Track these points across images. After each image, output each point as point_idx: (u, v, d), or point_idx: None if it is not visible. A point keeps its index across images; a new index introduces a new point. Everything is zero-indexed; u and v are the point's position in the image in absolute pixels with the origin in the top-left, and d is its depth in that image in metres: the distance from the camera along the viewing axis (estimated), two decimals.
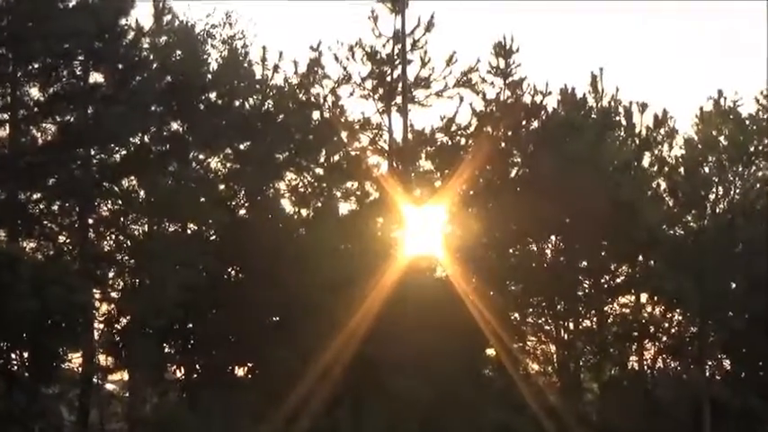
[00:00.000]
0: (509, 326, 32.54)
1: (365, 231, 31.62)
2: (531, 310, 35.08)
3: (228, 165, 31.33)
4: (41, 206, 27.31)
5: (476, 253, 32.72)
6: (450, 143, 33.82)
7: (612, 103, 36.12)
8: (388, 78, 33.02)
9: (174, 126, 29.58)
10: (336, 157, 32.98)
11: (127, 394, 30.56)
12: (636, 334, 34.99)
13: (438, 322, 28.92)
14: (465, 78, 33.38)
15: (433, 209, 32.90)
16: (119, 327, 28.56)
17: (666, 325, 35.55)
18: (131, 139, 27.91)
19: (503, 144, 34.47)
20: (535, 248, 35.28)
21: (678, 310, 35.25)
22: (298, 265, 28.75)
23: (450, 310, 29.57)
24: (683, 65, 69.01)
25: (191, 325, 30.07)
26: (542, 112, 34.54)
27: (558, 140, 33.39)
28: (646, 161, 36.23)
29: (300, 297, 28.34)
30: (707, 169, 35.57)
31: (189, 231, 30.03)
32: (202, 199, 28.90)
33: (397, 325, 28.68)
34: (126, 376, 30.03)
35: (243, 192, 31.38)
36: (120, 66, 27.03)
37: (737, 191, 35.38)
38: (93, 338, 27.57)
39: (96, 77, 27.11)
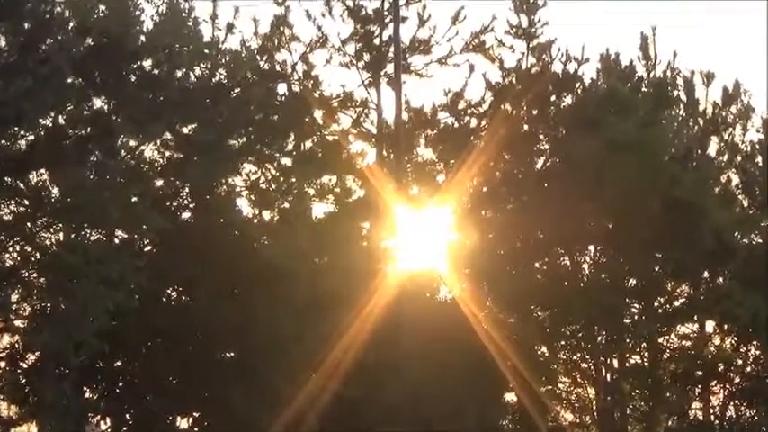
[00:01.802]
0: (534, 363, 32.88)
1: (347, 240, 31.91)
2: (563, 342, 35.43)
3: (168, 154, 31.62)
4: None
5: (490, 268, 33.03)
6: (457, 125, 34.18)
7: (669, 73, 36.55)
8: (376, 41, 33.42)
9: (98, 103, 29.84)
10: (309, 144, 33.33)
11: None
12: (700, 373, 35.31)
13: (441, 357, 29.26)
14: (476, 41, 33.81)
15: (435, 211, 33.24)
16: (25, 365, 28.78)
17: (739, 361, 35.90)
18: (41, 120, 28.14)
19: (525, 126, 34.89)
20: (568, 262, 35.60)
21: (754, 343, 35.61)
22: (259, 284, 29.04)
23: (458, 341, 29.89)
24: (759, 23, 69.22)
25: (119, 362, 30.38)
26: (577, 85, 34.95)
27: (598, 121, 33.76)
28: (712, 148, 36.77)
29: (263, 325, 28.63)
30: None
31: (117, 240, 30.30)
32: (134, 198, 29.16)
33: (389, 360, 29.02)
34: (34, 429, 30.28)
35: (187, 189, 31.68)
36: (27, 25, 27.24)
37: None
38: None
39: None
